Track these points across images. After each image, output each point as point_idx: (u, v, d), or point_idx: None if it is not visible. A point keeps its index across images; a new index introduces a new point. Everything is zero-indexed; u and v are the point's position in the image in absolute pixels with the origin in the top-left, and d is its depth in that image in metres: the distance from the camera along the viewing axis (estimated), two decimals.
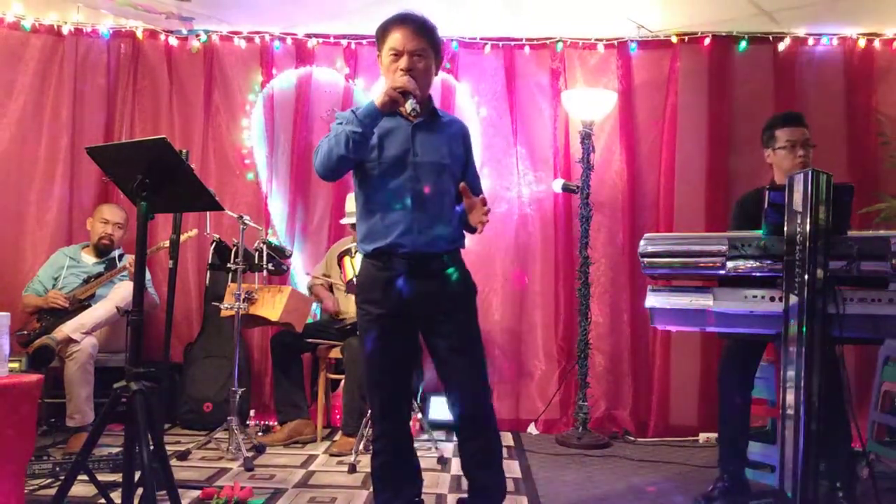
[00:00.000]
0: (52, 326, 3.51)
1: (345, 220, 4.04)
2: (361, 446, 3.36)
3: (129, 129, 4.37)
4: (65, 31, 4.29)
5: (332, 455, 3.54)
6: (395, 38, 2.17)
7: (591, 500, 2.90)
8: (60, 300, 3.63)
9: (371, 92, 4.39)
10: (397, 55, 2.17)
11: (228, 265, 3.54)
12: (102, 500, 2.14)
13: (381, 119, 2.14)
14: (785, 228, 2.14)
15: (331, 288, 4.07)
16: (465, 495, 2.38)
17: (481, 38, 4.32)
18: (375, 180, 2.21)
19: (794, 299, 2.08)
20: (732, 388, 2.82)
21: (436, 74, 2.30)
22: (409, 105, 2.08)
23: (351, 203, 4.02)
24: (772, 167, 2.97)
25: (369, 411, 3.47)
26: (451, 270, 2.24)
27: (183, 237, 3.61)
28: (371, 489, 2.96)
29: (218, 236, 3.92)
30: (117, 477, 2.18)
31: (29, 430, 2.28)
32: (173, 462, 3.22)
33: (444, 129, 2.29)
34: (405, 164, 2.19)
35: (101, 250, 3.88)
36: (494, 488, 2.29)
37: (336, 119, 2.21)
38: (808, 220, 2.04)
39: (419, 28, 2.18)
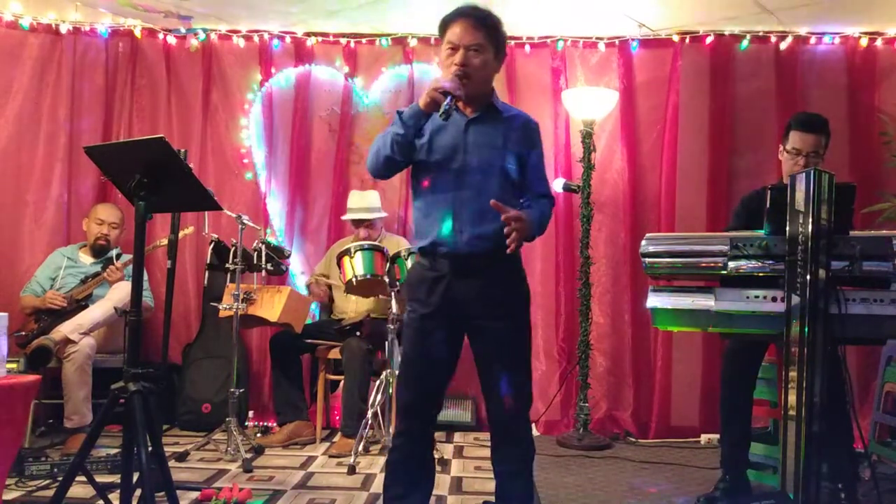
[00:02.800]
0: (49, 327, 3.50)
1: (345, 217, 4.04)
2: (361, 447, 3.35)
3: (127, 129, 4.35)
4: (63, 29, 4.28)
5: (331, 456, 3.52)
6: (453, 32, 2.13)
7: (592, 502, 2.88)
8: (58, 300, 3.62)
9: (371, 90, 4.39)
10: (454, 49, 2.13)
11: (227, 265, 3.53)
12: (101, 502, 2.13)
13: (426, 119, 2.11)
14: (787, 228, 2.13)
15: (330, 288, 4.06)
16: (491, 499, 2.35)
17: None
18: (424, 177, 2.19)
19: (796, 299, 2.07)
20: (734, 389, 2.81)
21: (497, 70, 2.24)
22: (443, 106, 2.00)
23: (353, 199, 4.02)
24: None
25: (368, 411, 3.47)
26: (498, 272, 2.17)
27: (180, 234, 3.59)
28: (371, 488, 2.96)
29: (216, 236, 3.91)
30: (115, 478, 2.17)
31: (20, 431, 2.27)
32: (172, 463, 3.20)
33: (503, 123, 2.21)
34: (454, 161, 2.15)
35: (98, 250, 3.86)
36: (521, 496, 2.25)
37: (392, 119, 2.18)
38: (810, 220, 2.03)
39: (478, 22, 2.13)
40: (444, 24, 2.17)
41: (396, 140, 2.10)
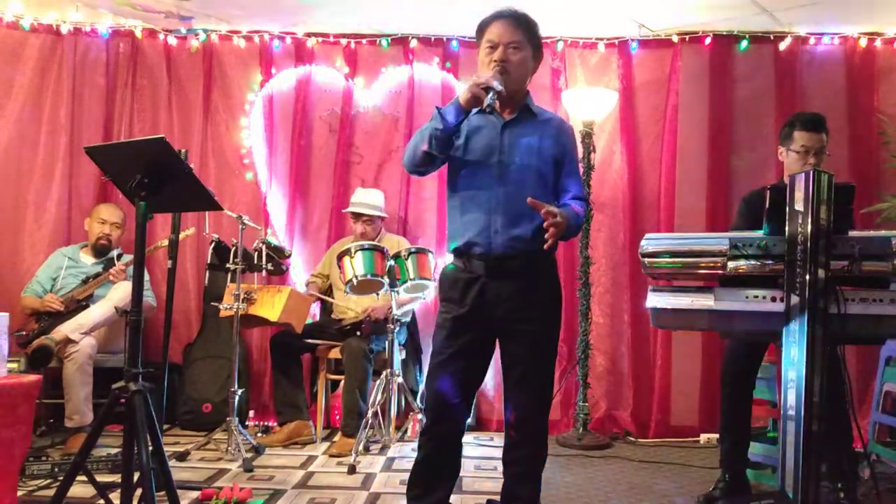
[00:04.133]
0: (50, 327, 3.51)
1: (346, 210, 4.05)
2: (361, 447, 3.35)
3: (127, 129, 4.36)
4: (63, 30, 4.29)
5: (331, 456, 3.52)
6: (493, 31, 2.17)
7: (591, 501, 2.89)
8: (56, 304, 3.62)
9: (371, 90, 4.39)
10: (493, 47, 2.16)
11: (227, 265, 3.53)
12: (101, 501, 2.13)
13: (465, 116, 2.12)
14: (786, 228, 2.13)
15: (330, 287, 4.06)
16: (495, 498, 2.36)
17: None
18: (460, 178, 2.20)
19: (795, 299, 2.07)
20: (734, 389, 2.82)
21: (534, 72, 2.27)
22: (486, 100, 2.02)
23: (358, 195, 4.03)
24: (783, 164, 2.96)
25: (369, 411, 3.48)
26: (533, 274, 2.18)
27: (181, 235, 3.60)
28: (372, 488, 2.97)
29: (217, 236, 3.91)
30: (116, 477, 2.17)
31: (26, 431, 2.27)
32: (172, 463, 3.21)
33: (538, 126, 2.23)
34: (490, 162, 2.17)
35: (100, 250, 3.87)
36: (529, 500, 2.25)
37: (432, 115, 2.19)
38: (810, 220, 2.03)
39: (517, 21, 2.18)
40: (484, 25, 2.22)
41: (435, 135, 2.10)
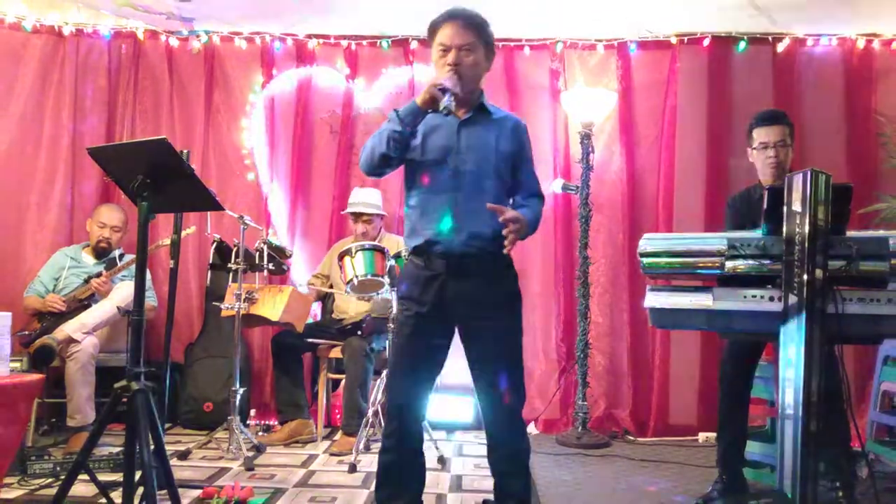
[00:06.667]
0: (52, 326, 3.52)
1: (345, 211, 4.06)
2: (362, 446, 3.37)
3: (129, 130, 4.37)
4: (66, 31, 4.30)
5: (332, 455, 3.54)
6: (444, 34, 2.18)
7: (590, 500, 2.90)
8: (58, 304, 3.63)
9: (371, 91, 4.40)
10: (445, 50, 2.18)
11: (229, 265, 3.54)
12: (103, 500, 2.14)
13: (423, 117, 2.14)
14: (784, 228, 2.14)
15: (330, 288, 4.08)
16: (491, 497, 2.36)
17: None
18: (418, 177, 2.22)
19: (793, 299, 2.08)
20: (732, 388, 2.83)
21: (487, 69, 2.28)
22: (443, 102, 2.05)
23: (355, 195, 4.04)
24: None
25: (369, 409, 3.49)
26: (492, 272, 2.20)
27: (182, 234, 3.61)
28: (373, 487, 2.98)
29: (219, 236, 3.92)
30: (118, 476, 2.18)
31: (22, 429, 2.29)
32: (174, 462, 3.22)
33: (494, 124, 2.26)
34: (447, 161, 2.19)
35: (100, 252, 3.87)
36: (519, 496, 2.27)
37: (388, 117, 2.21)
38: (807, 221, 2.05)
39: (467, 23, 2.19)
40: (434, 27, 2.23)
41: (393, 137, 2.12)
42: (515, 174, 2.28)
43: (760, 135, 2.87)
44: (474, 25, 2.19)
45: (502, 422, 2.24)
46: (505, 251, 2.11)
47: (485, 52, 2.23)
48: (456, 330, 2.28)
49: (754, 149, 2.91)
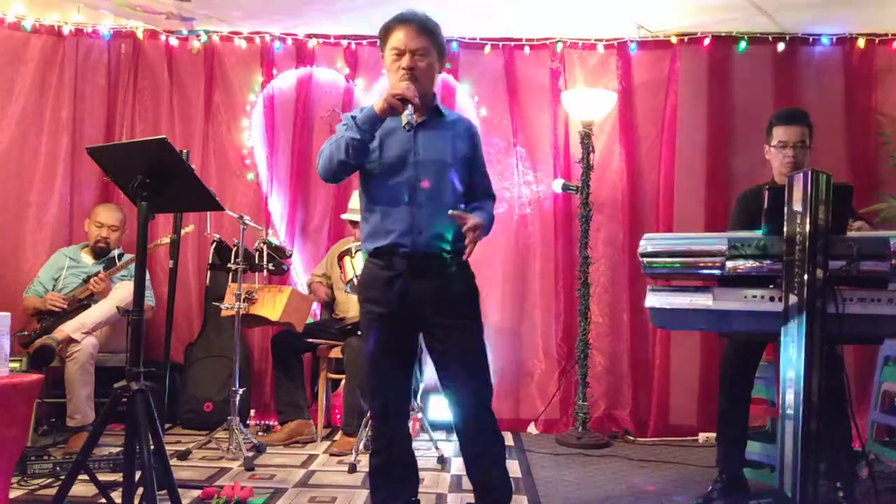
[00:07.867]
0: (52, 326, 3.51)
1: (345, 216, 4.06)
2: (361, 446, 3.36)
3: (129, 130, 4.37)
4: (65, 31, 4.30)
5: (332, 455, 3.54)
6: (397, 38, 2.19)
7: (591, 500, 2.90)
8: (59, 302, 3.63)
9: (372, 92, 4.40)
10: (399, 54, 2.18)
11: (229, 265, 3.54)
12: (103, 500, 2.14)
13: (381, 124, 2.15)
14: (784, 228, 2.14)
15: (330, 288, 4.07)
16: (471, 499, 2.37)
17: (481, 39, 4.32)
18: (377, 180, 2.22)
19: (793, 299, 2.08)
20: (732, 388, 2.82)
21: (439, 73, 2.31)
22: (405, 117, 2.07)
23: (355, 200, 4.04)
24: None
25: (369, 411, 3.49)
26: (452, 272, 2.23)
27: (181, 233, 3.61)
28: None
29: (218, 236, 3.92)
30: (118, 476, 2.19)
31: (24, 430, 2.28)
32: (173, 462, 3.22)
33: (448, 127, 2.29)
34: (406, 164, 2.20)
35: (98, 252, 3.87)
36: (499, 490, 2.29)
37: (342, 120, 2.22)
38: (808, 220, 2.04)
39: (421, 27, 2.19)
40: (386, 31, 2.23)
41: (353, 145, 2.12)
42: (471, 175, 2.32)
43: (780, 133, 2.85)
44: (427, 30, 2.20)
45: (476, 418, 2.26)
46: (464, 257, 2.17)
47: (438, 56, 2.25)
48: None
49: (772, 146, 2.88)
